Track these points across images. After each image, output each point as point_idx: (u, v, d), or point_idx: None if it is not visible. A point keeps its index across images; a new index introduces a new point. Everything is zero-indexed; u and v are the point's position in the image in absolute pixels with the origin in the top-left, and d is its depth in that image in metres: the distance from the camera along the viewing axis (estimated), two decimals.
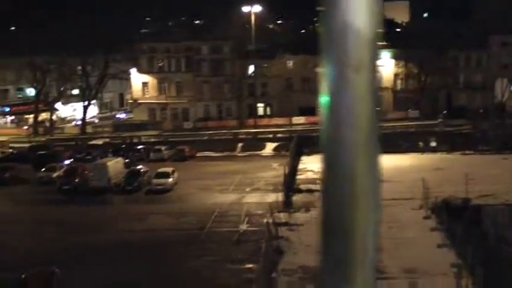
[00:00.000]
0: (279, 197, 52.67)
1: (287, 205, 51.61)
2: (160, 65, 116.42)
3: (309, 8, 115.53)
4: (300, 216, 48.83)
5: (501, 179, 57.00)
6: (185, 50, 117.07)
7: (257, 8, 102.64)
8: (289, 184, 57.63)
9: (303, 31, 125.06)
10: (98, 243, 43.78)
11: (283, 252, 40.30)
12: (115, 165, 64.92)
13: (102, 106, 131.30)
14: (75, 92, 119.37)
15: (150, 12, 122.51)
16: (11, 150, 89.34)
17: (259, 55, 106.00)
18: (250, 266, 38.64)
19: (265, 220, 46.60)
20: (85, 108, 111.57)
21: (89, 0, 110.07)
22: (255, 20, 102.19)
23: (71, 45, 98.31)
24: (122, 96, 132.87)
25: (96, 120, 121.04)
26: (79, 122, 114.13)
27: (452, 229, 41.80)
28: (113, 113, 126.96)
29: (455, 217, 44.36)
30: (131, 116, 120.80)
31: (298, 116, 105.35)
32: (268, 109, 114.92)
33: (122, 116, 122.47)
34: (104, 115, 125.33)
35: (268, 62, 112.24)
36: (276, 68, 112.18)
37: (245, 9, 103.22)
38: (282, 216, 48.11)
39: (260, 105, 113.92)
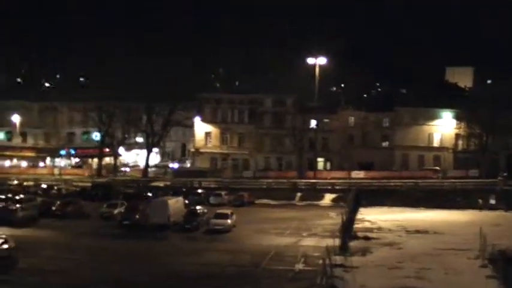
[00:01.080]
0: (336, 242, 53.02)
1: (343, 249, 51.98)
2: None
3: (371, 68, 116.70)
4: (355, 260, 49.23)
5: None
6: (249, 102, 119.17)
7: (322, 60, 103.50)
8: (346, 231, 58.00)
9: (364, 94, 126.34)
10: (151, 273, 44.62)
11: None
12: (175, 204, 66.30)
13: (164, 155, 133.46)
14: (139, 139, 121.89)
15: (218, 62, 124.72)
16: (74, 188, 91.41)
17: (321, 109, 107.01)
18: None
19: (321, 261, 47.00)
20: (148, 153, 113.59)
21: (160, 48, 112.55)
22: (319, 73, 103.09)
23: (138, 91, 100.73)
24: (184, 146, 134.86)
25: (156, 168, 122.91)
26: (141, 167, 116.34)
27: (509, 277, 41.59)
28: (171, 162, 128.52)
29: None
30: (188, 165, 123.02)
31: (357, 170, 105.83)
32: (328, 164, 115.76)
33: (175, 165, 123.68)
34: (164, 163, 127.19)
35: (329, 117, 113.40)
36: (337, 123, 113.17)
37: (310, 61, 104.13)
38: (338, 259, 48.50)
39: (320, 159, 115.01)
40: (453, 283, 42.52)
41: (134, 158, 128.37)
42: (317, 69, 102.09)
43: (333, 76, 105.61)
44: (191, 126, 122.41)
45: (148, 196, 79.03)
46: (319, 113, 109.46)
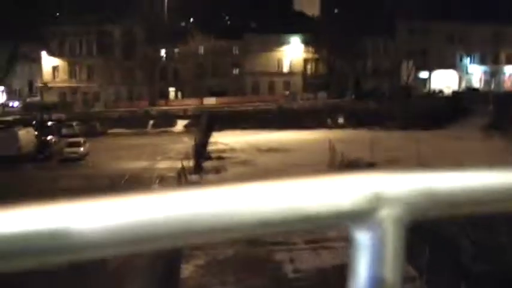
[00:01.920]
0: (190, 163, 53.78)
1: (198, 169, 52.87)
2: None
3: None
4: (210, 177, 50.21)
5: (404, 148, 59.40)
6: (97, 33, 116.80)
7: None
8: (200, 152, 58.84)
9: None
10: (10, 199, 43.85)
11: None
12: (26, 134, 64.68)
13: (11, 93, 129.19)
14: None
15: None
16: None
17: (171, 39, 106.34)
18: None
19: (176, 179, 47.70)
20: None
21: None
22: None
23: None
24: (31, 83, 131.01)
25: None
26: None
27: None
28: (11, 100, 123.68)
29: None
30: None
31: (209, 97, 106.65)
32: (179, 93, 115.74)
33: (16, 103, 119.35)
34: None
35: (179, 47, 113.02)
36: (187, 52, 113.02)
37: None
38: (194, 178, 49.34)
39: (171, 89, 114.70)
40: None
41: None
42: None
43: (182, 8, 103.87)
44: (38, 60, 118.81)
45: None
46: (169, 42, 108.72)
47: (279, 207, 1.01)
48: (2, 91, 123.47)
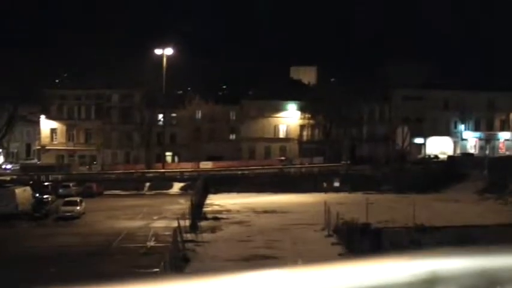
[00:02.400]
0: (186, 223, 53.94)
1: (194, 228, 53.06)
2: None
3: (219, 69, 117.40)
4: (206, 236, 50.42)
5: (399, 211, 59.76)
6: (95, 97, 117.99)
7: (169, 51, 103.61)
8: (196, 213, 59.13)
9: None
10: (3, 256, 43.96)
11: (190, 260, 41.68)
12: (23, 193, 64.99)
13: (8, 155, 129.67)
14: None
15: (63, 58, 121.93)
16: None
17: (169, 103, 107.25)
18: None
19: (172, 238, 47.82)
20: None
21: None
22: (168, 67, 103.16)
23: None
24: (29, 146, 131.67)
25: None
26: None
27: (353, 245, 43.89)
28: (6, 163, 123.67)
29: (356, 237, 46.34)
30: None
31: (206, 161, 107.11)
32: (176, 158, 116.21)
33: (8, 166, 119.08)
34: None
35: (177, 111, 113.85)
36: (184, 117, 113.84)
37: (157, 51, 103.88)
38: (189, 236, 49.53)
39: (168, 153, 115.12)
40: (301, 250, 44.49)
41: None
42: (164, 61, 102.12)
43: (183, 73, 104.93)
44: (36, 122, 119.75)
45: None
46: (167, 107, 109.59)
47: None
48: (0, 153, 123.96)
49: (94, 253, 44.54)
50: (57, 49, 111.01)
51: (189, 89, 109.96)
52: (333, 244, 47.09)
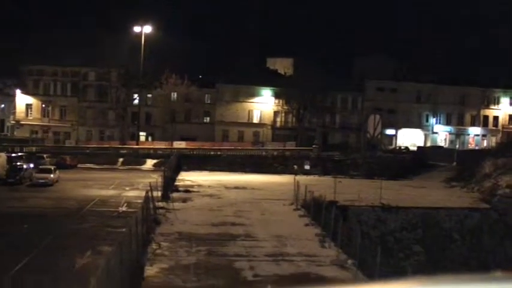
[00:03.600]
0: (158, 193, 54.96)
1: (165, 197, 54.13)
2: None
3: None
4: (177, 205, 51.51)
5: (366, 192, 61.21)
6: (72, 75, 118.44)
7: (148, 29, 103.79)
8: (168, 184, 60.17)
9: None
10: None
11: (160, 223, 42.80)
12: None
13: None
14: None
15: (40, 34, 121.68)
16: None
17: (145, 82, 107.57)
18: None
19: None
20: None
21: None
22: (145, 42, 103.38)
23: None
24: (2, 122, 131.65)
25: None
26: None
27: (320, 219, 45.14)
28: None
29: (323, 212, 47.63)
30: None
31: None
32: (150, 138, 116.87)
33: None
34: None
35: (153, 92, 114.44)
36: (160, 97, 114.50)
37: (136, 29, 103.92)
38: (160, 204, 50.60)
39: (142, 133, 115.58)
40: (268, 220, 45.75)
41: None
42: (143, 38, 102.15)
43: (161, 52, 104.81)
44: (11, 98, 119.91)
45: None
46: (143, 87, 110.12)
47: None
48: None
49: (67, 214, 45.59)
50: (34, 27, 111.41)
51: (166, 69, 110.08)
52: (300, 216, 48.45)
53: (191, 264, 31.43)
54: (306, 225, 44.52)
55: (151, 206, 45.56)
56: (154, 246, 35.42)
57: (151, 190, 47.12)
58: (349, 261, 32.64)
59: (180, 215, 46.31)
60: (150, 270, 29.72)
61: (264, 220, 45.56)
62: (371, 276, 29.38)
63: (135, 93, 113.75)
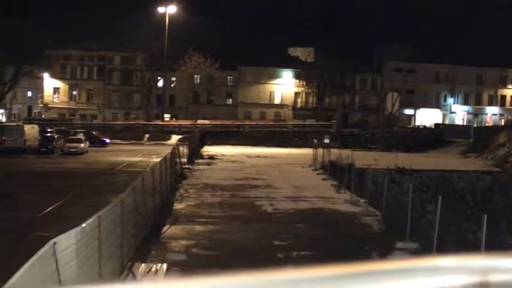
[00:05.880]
0: (183, 160, 58.07)
1: (191, 161, 57.31)
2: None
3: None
4: (202, 167, 54.69)
5: (383, 160, 63.84)
6: (98, 59, 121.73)
7: (172, 9, 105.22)
8: (193, 153, 63.33)
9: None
10: (20, 171, 47.95)
11: (187, 177, 45.91)
12: (31, 129, 69.02)
13: (10, 117, 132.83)
14: None
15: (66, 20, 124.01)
16: None
17: (170, 64, 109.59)
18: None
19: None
20: None
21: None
22: (169, 23, 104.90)
23: None
24: (30, 109, 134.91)
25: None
26: None
27: (334, 176, 47.95)
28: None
29: (338, 170, 50.40)
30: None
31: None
32: (174, 120, 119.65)
33: None
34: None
35: (176, 74, 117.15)
36: (183, 80, 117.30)
37: (160, 10, 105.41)
38: (186, 166, 53.73)
39: (167, 115, 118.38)
40: (288, 176, 48.76)
41: None
42: (167, 19, 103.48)
43: (184, 32, 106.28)
44: (39, 87, 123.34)
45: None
46: (167, 69, 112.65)
47: None
48: (1, 113, 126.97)
49: (99, 172, 48.75)
50: (61, 11, 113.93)
51: (190, 50, 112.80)
52: (318, 174, 51.54)
53: (216, 202, 34.48)
54: (323, 179, 47.58)
55: (177, 161, 48.73)
56: (181, 191, 38.56)
57: (178, 149, 50.30)
58: (362, 200, 35.50)
59: (205, 173, 49.46)
60: (178, 206, 32.78)
61: (283, 176, 48.60)
62: (380, 210, 32.03)
63: (159, 76, 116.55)
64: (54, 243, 12.34)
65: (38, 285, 11.23)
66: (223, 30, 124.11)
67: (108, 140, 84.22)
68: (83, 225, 14.94)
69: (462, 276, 1.09)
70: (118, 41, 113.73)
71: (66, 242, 13.23)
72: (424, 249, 23.16)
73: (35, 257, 11.09)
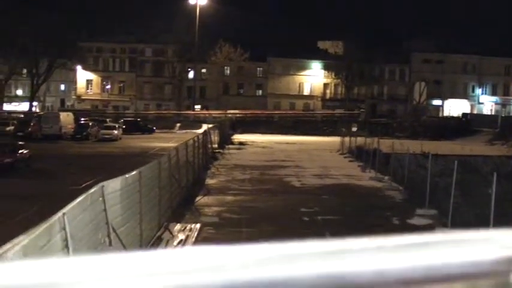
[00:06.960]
0: (215, 146, 59.89)
1: (221, 147, 59.12)
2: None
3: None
4: (232, 152, 56.47)
5: (408, 146, 64.85)
6: (130, 51, 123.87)
7: (203, 0, 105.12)
8: (224, 139, 65.21)
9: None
10: (53, 155, 49.95)
11: (218, 159, 47.71)
12: (66, 117, 71.09)
13: (43, 109, 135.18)
14: (19, 92, 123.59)
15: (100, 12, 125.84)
16: None
17: (200, 55, 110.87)
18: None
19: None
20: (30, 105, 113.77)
21: None
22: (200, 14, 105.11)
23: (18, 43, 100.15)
24: (63, 102, 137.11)
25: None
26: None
27: (360, 159, 49.44)
28: None
29: (364, 152, 51.83)
30: None
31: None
32: (205, 111, 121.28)
33: None
34: None
35: (207, 67, 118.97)
36: (214, 72, 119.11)
37: (191, 1, 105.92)
38: (218, 150, 55.53)
39: (197, 106, 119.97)
40: (316, 159, 50.37)
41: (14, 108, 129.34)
42: (197, 10, 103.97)
43: (215, 23, 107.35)
44: (72, 80, 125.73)
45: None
46: (198, 61, 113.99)
47: (419, 265, 0.82)
48: (35, 106, 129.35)
49: (132, 156, 50.61)
50: (93, 4, 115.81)
51: (219, 39, 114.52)
52: (345, 157, 53.08)
53: (246, 179, 36.20)
54: (350, 161, 49.19)
55: (209, 145, 50.49)
56: (213, 170, 40.35)
57: (209, 133, 52.07)
58: (386, 177, 37.01)
59: (235, 156, 51.24)
60: (210, 181, 34.56)
61: (311, 159, 50.26)
62: (402, 184, 33.48)
63: (190, 67, 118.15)
64: (102, 186, 14.08)
65: (90, 220, 12.95)
66: (253, 22, 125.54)
67: (154, 128, 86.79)
68: (126, 175, 16.69)
69: (493, 249, 1.05)
70: (149, 33, 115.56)
71: (112, 187, 14.97)
72: (442, 215, 24.69)
73: (86, 194, 12.81)
